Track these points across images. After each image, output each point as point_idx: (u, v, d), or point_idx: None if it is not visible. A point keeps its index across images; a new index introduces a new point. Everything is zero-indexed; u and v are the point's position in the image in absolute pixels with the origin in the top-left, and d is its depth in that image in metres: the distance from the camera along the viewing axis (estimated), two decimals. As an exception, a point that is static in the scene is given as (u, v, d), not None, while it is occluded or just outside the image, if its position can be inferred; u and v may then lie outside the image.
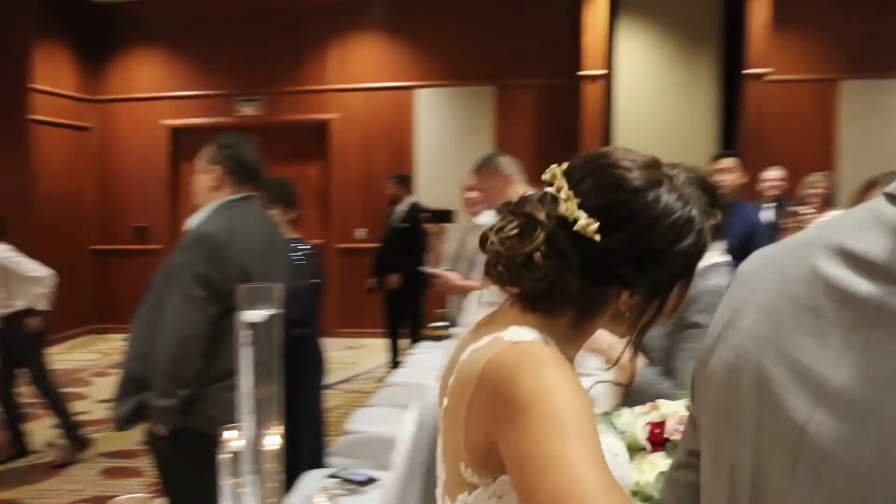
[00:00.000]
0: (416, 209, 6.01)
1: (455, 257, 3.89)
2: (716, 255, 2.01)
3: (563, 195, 0.97)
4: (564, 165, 1.01)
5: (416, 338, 6.01)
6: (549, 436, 0.83)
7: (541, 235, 0.97)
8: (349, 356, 7.20)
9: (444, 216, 4.61)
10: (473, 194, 3.86)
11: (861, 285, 0.61)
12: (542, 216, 0.97)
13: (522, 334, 0.96)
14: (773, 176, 5.61)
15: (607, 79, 7.29)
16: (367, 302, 7.20)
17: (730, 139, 7.37)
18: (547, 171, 1.01)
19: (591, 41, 7.20)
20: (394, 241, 6.10)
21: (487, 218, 3.42)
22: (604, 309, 1.01)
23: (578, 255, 0.96)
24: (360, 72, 8.20)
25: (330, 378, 6.29)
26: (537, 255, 0.97)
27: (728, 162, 4.68)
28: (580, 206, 0.96)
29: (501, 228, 1.00)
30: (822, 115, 7.70)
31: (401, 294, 6.06)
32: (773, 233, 4.54)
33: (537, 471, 0.81)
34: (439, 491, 1.05)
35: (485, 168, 3.50)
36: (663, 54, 7.40)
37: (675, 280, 1.00)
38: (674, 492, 0.90)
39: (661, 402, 1.53)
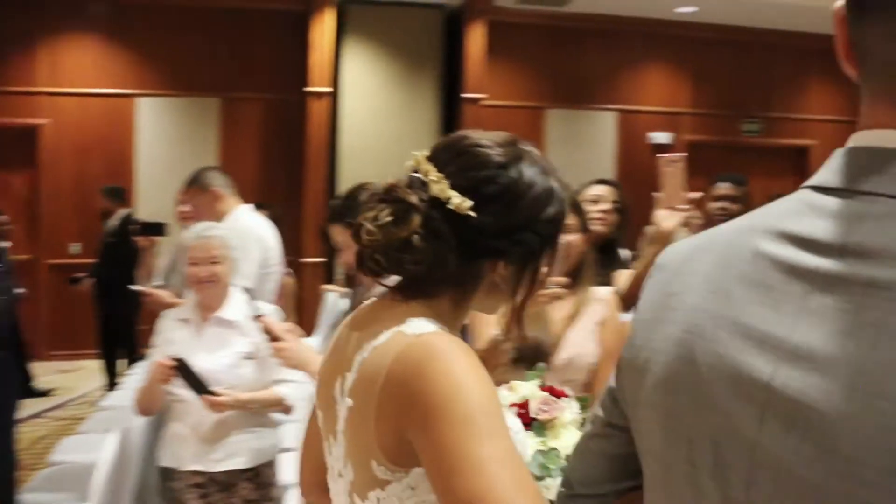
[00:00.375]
0: (127, 222, 5.82)
1: (168, 272, 3.83)
2: None
3: (433, 178, 1.00)
4: (426, 151, 1.04)
5: (132, 358, 5.82)
6: (464, 437, 0.83)
7: (416, 218, 0.98)
8: (62, 380, 6.80)
9: (154, 229, 4.52)
10: (186, 208, 3.82)
11: (809, 259, 0.63)
12: (415, 200, 0.99)
13: (423, 326, 0.96)
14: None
15: (333, 96, 7.54)
16: (82, 322, 6.83)
17: (449, 159, 7.88)
18: (411, 158, 1.04)
19: (317, 58, 7.42)
20: (106, 257, 5.86)
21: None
22: (480, 284, 1.03)
23: (454, 234, 0.98)
24: (73, 75, 7.76)
25: (39, 405, 5.92)
26: (415, 237, 0.98)
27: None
28: (451, 187, 0.99)
29: (375, 217, 0.99)
30: (532, 139, 8.46)
31: (114, 313, 5.84)
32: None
33: (455, 472, 0.82)
34: (342, 490, 1.03)
35: (192, 185, 3.52)
36: (387, 75, 7.79)
37: (545, 247, 1.04)
38: (585, 460, 0.92)
39: (513, 383, 1.56)
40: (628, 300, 2.82)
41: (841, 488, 0.57)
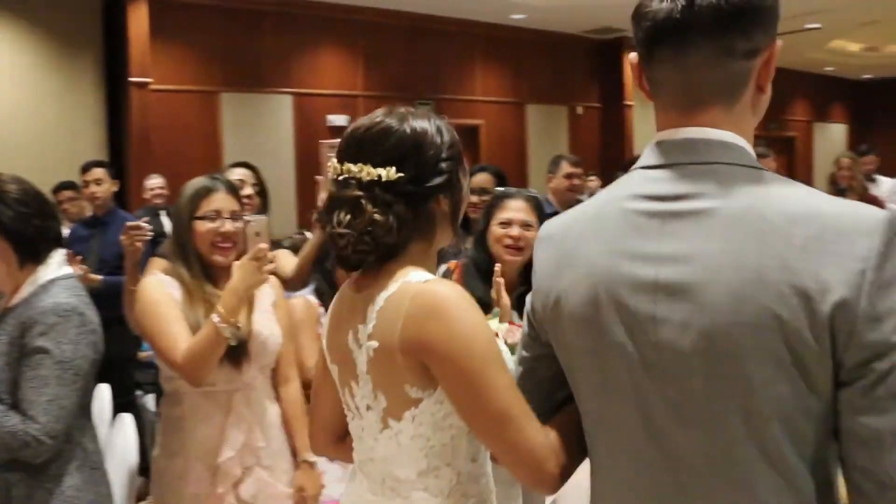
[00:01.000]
0: None
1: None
2: (54, 268, 2.03)
3: (355, 170, 1.25)
4: (333, 159, 1.28)
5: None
6: (484, 367, 1.14)
7: (367, 204, 1.24)
8: None
9: None
10: None
11: (658, 206, 1.02)
12: (355, 192, 1.25)
13: (422, 275, 1.24)
14: (154, 184, 5.84)
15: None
16: None
17: (117, 147, 7.45)
18: (338, 170, 1.29)
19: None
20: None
21: None
22: (435, 224, 1.30)
23: (398, 198, 1.24)
24: None
25: None
26: (377, 216, 1.23)
27: (98, 172, 4.70)
28: (377, 165, 1.25)
29: (337, 223, 1.25)
30: (207, 124, 8.29)
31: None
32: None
33: (481, 395, 1.14)
34: (372, 421, 1.28)
35: None
36: (38, 58, 7.12)
37: (458, 166, 1.33)
38: (526, 392, 1.19)
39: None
40: (296, 280, 2.94)
41: (706, 327, 0.95)
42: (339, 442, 1.45)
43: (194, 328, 2.17)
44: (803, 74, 16.75)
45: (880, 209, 0.95)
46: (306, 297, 2.66)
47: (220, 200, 2.32)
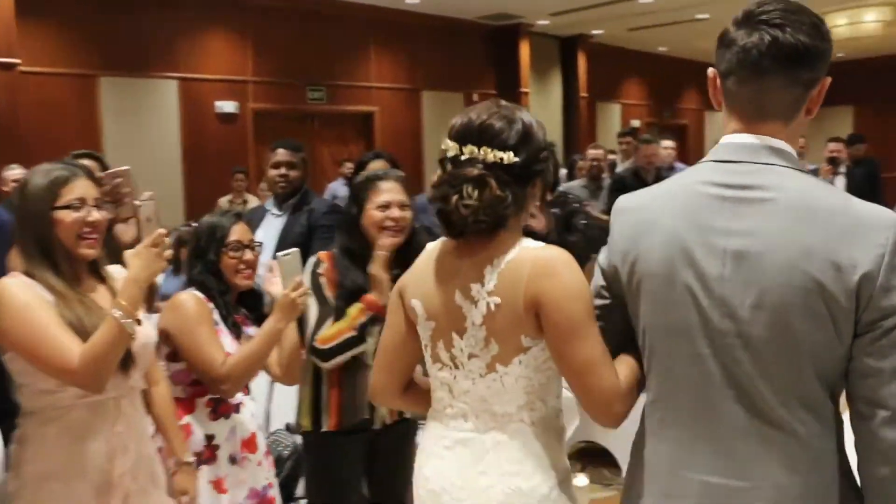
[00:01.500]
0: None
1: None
2: None
3: (481, 153, 1.53)
4: (448, 141, 1.57)
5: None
6: (583, 319, 1.45)
7: (492, 181, 1.51)
8: None
9: None
10: None
11: (729, 192, 1.34)
12: (481, 171, 1.53)
13: (534, 243, 1.55)
14: (14, 174, 5.56)
15: None
16: None
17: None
18: (444, 148, 1.57)
19: None
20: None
21: None
22: (528, 200, 1.59)
23: (512, 177, 1.53)
24: None
25: None
26: (498, 192, 1.51)
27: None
28: (497, 149, 1.53)
29: (464, 195, 1.51)
30: (84, 110, 7.99)
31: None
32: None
33: (574, 343, 1.45)
34: (475, 368, 1.56)
35: None
36: None
37: (552, 158, 1.62)
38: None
39: None
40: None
41: (763, 286, 1.29)
42: (404, 393, 1.75)
43: (78, 330, 1.98)
44: (695, 64, 17.38)
45: (893, 211, 1.35)
46: (193, 293, 2.58)
47: (83, 187, 2.09)
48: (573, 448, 4.27)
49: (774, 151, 1.39)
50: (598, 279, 1.55)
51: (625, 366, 1.52)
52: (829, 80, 1.41)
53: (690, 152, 15.27)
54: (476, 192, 1.52)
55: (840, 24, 12.87)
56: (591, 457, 4.21)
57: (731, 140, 1.43)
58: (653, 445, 1.47)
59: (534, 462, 1.58)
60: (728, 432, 1.36)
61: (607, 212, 6.45)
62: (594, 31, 13.38)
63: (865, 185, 7.22)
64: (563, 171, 8.60)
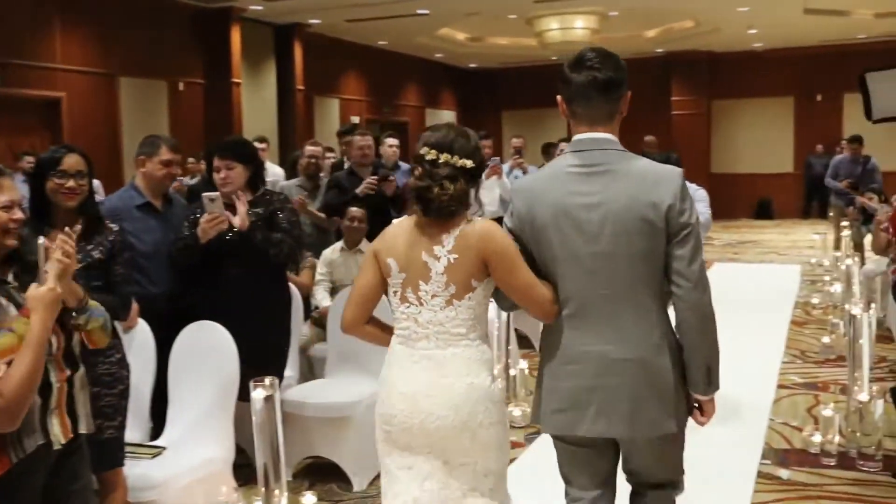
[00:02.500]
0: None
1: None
2: None
3: (453, 160, 2.41)
4: (427, 148, 2.44)
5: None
6: (517, 260, 2.34)
7: (461, 179, 2.40)
8: None
9: None
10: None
11: (584, 170, 2.34)
12: (452, 172, 2.41)
13: (480, 220, 2.43)
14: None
15: None
16: None
17: None
18: (424, 152, 2.43)
19: None
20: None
21: None
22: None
23: (469, 177, 2.42)
24: None
25: None
26: (463, 187, 2.41)
27: None
28: (463, 157, 2.40)
29: (444, 187, 2.38)
30: None
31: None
32: None
33: (516, 273, 2.34)
34: (437, 305, 2.43)
35: None
36: None
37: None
38: None
39: None
40: None
41: (611, 220, 2.31)
42: (366, 325, 2.59)
43: None
44: (416, 60, 18.07)
45: (678, 168, 2.39)
46: None
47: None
48: (299, 465, 4.24)
49: (608, 141, 2.40)
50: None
51: (545, 284, 2.43)
52: (629, 93, 2.44)
53: (411, 149, 15.62)
54: (451, 186, 2.39)
55: (553, 28, 13.94)
56: (319, 473, 4.26)
57: (580, 137, 2.42)
58: (558, 333, 2.43)
59: (478, 366, 2.46)
60: (600, 314, 2.38)
61: (325, 210, 6.39)
62: (311, 21, 13.44)
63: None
64: (278, 170, 8.53)
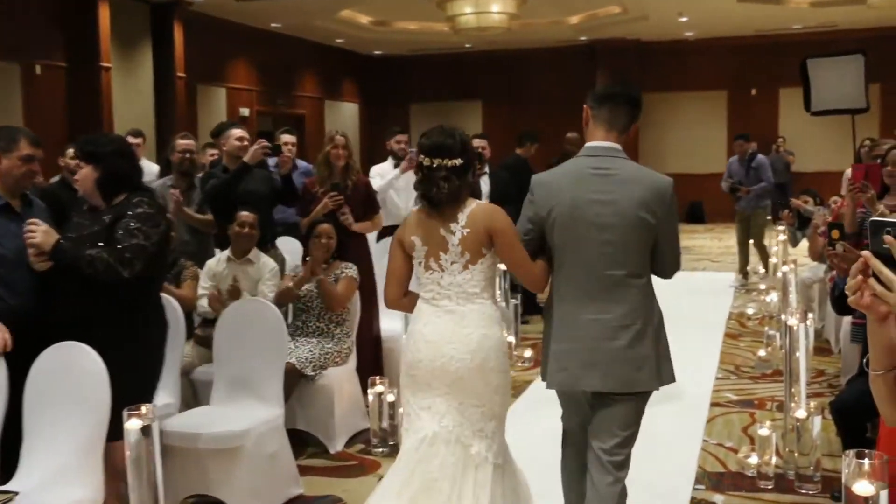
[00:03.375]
0: None
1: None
2: None
3: (445, 161, 3.30)
4: (423, 156, 3.35)
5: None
6: (514, 239, 3.30)
7: (454, 178, 3.31)
8: None
9: None
10: None
11: (600, 171, 3.29)
12: (446, 173, 3.31)
13: (484, 203, 3.47)
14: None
15: None
16: None
17: None
18: (421, 160, 3.36)
19: None
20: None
21: None
22: (470, 180, 3.40)
23: (461, 174, 3.34)
24: None
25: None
26: (457, 183, 3.32)
27: None
28: (451, 158, 3.31)
29: (439, 188, 3.31)
30: None
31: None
32: None
33: (514, 249, 3.30)
34: (455, 270, 3.35)
35: None
36: None
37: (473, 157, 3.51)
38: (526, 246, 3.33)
39: None
40: None
41: (619, 214, 3.21)
42: (402, 297, 3.48)
43: None
44: (314, 46, 17.95)
45: (670, 178, 3.30)
46: None
47: None
48: (182, 504, 4.18)
49: (617, 151, 3.30)
50: (524, 223, 3.36)
51: (540, 262, 3.32)
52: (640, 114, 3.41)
53: (310, 148, 15.48)
54: (446, 185, 3.26)
55: (466, 13, 14.00)
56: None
57: (595, 143, 3.31)
58: (562, 306, 3.28)
59: (491, 320, 3.34)
60: (603, 291, 3.21)
61: (202, 209, 6.43)
62: (193, -1, 13.23)
63: (513, 183, 8.08)
64: (154, 167, 8.36)
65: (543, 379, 3.38)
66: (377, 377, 5.21)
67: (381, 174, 7.80)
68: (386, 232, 7.18)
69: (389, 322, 6.17)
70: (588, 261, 3.25)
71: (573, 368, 3.26)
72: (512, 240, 3.27)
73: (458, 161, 3.30)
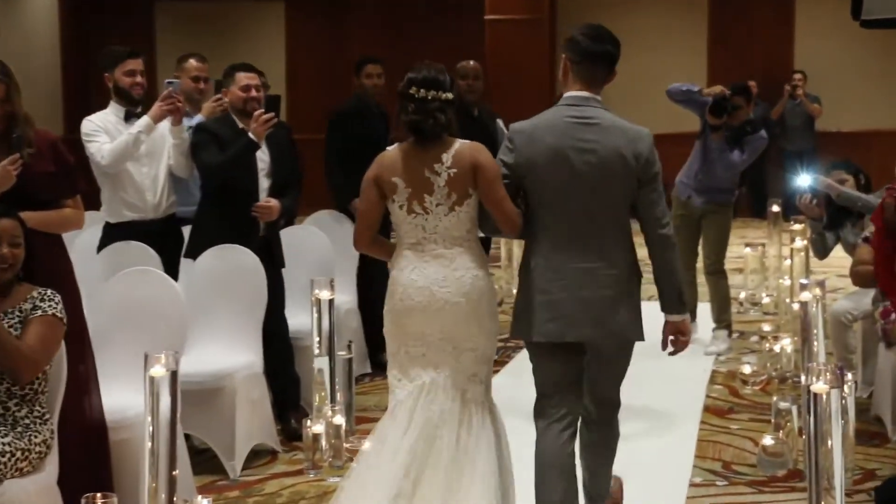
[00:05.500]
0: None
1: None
2: None
3: (438, 94, 3.85)
4: (415, 88, 3.84)
5: None
6: (497, 178, 3.93)
7: (448, 109, 3.94)
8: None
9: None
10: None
11: (579, 119, 4.02)
12: (440, 104, 3.86)
13: (466, 141, 4.04)
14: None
15: None
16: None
17: None
18: (413, 91, 3.83)
19: None
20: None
21: None
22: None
23: (451, 106, 3.98)
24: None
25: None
26: (449, 115, 3.94)
27: None
28: (444, 92, 3.97)
29: (434, 119, 3.80)
30: None
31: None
32: None
33: (496, 188, 3.89)
34: (440, 212, 3.81)
35: None
36: None
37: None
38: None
39: None
40: None
41: (601, 161, 4.00)
42: (372, 243, 4.14)
43: None
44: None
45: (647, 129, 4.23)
46: None
47: None
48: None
49: (596, 101, 4.00)
50: (502, 168, 3.93)
51: (516, 206, 4.10)
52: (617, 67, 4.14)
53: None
54: (442, 116, 3.89)
55: None
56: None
57: (573, 93, 3.95)
58: (547, 254, 3.89)
59: (478, 262, 4.01)
60: (586, 238, 3.87)
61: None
62: None
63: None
64: None
65: (519, 336, 4.22)
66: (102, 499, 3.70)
67: (105, 128, 6.00)
68: (111, 236, 5.89)
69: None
70: (572, 209, 3.97)
71: (563, 318, 3.94)
72: (495, 175, 3.94)
73: (449, 95, 3.98)
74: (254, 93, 5.85)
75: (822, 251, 6.93)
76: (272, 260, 5.90)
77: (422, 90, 3.91)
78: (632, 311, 3.98)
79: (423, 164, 3.94)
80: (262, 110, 5.65)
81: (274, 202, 5.79)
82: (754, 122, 8.06)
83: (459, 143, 3.99)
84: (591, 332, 3.92)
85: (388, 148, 4.21)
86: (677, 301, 4.05)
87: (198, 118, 6.25)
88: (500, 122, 7.52)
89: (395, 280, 4.04)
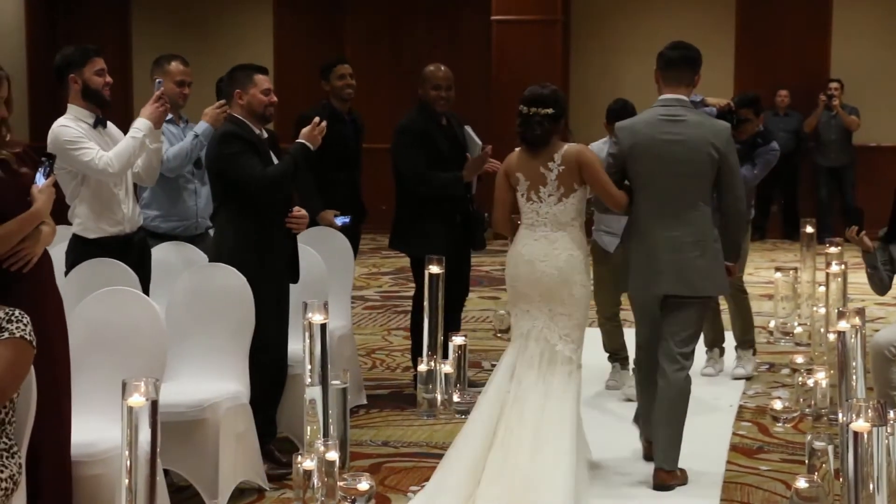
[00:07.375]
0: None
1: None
2: None
3: (540, 110, 5.57)
4: (523, 105, 5.60)
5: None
6: (600, 169, 5.94)
7: (547, 122, 5.73)
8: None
9: None
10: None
11: (672, 118, 6.17)
12: (542, 119, 5.63)
13: (574, 144, 6.18)
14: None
15: None
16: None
17: None
18: (522, 109, 5.62)
19: None
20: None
21: None
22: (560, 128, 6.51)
23: (553, 120, 5.79)
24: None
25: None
26: (548, 127, 5.71)
27: None
28: (545, 108, 5.87)
29: (536, 131, 5.53)
30: None
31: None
32: None
33: (600, 175, 5.81)
34: (552, 201, 5.51)
35: None
36: None
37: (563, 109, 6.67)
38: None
39: None
40: None
41: (690, 151, 6.17)
42: (507, 222, 6.32)
43: None
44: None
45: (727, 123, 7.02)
46: None
47: None
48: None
49: (686, 102, 6.09)
50: (608, 160, 6.02)
51: (621, 190, 6.25)
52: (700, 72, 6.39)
53: None
54: (538, 129, 5.55)
55: None
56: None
57: (667, 95, 5.91)
58: (640, 226, 5.85)
59: (578, 244, 5.68)
60: (676, 211, 5.83)
61: None
62: None
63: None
64: None
65: (623, 288, 6.20)
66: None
67: (87, 135, 5.85)
68: (83, 253, 5.79)
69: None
70: (662, 189, 5.67)
71: (648, 275, 5.70)
72: (598, 167, 5.59)
73: (549, 110, 5.46)
74: (274, 97, 6.05)
75: (881, 286, 6.87)
76: (294, 278, 6.18)
77: (525, 107, 5.53)
78: (709, 271, 5.54)
79: (539, 162, 5.53)
80: (318, 117, 6.14)
81: (304, 211, 6.25)
82: (765, 134, 8.20)
83: (567, 146, 5.58)
84: (670, 286, 5.52)
85: (516, 149, 5.83)
86: (734, 250, 5.85)
87: (203, 126, 6.14)
88: (468, 129, 7.71)
89: (512, 251, 5.74)
